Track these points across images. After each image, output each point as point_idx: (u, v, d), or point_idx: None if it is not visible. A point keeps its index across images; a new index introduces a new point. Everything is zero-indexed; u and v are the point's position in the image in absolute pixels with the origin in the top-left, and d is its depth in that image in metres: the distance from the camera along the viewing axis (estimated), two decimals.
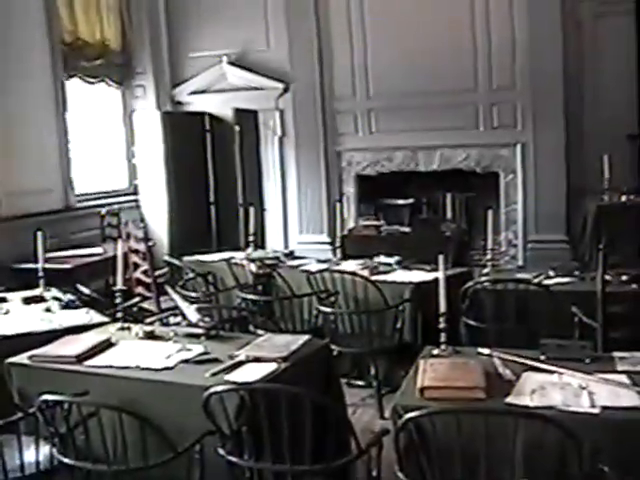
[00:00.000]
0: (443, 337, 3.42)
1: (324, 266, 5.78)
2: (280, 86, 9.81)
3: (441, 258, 3.61)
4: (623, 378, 2.93)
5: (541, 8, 8.54)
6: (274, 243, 9.60)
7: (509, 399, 2.80)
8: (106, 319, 4.38)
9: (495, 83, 8.99)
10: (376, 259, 5.93)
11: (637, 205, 7.39)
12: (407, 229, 7.82)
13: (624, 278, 4.90)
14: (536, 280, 4.92)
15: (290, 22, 9.53)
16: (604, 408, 2.68)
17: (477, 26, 8.93)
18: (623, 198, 7.51)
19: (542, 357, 3.19)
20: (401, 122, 9.34)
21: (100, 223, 8.65)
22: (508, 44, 8.85)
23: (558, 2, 8.54)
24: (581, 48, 8.76)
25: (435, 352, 3.38)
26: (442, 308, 3.45)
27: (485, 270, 5.32)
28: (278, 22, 9.62)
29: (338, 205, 7.29)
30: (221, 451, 3.01)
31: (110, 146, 9.82)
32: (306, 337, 3.69)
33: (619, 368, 3.08)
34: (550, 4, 8.53)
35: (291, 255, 6.86)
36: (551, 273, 5.17)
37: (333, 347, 4.54)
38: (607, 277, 4.65)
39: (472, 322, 4.57)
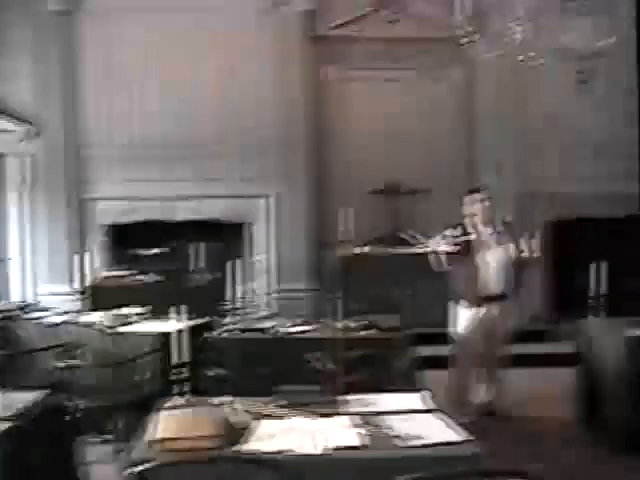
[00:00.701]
0: (183, 387, 3.42)
1: (68, 318, 5.60)
2: (27, 129, 9.35)
3: (183, 308, 3.63)
4: (355, 419, 3.07)
5: (288, 69, 9.08)
6: (16, 294, 9.10)
7: (242, 446, 2.83)
8: None
9: (248, 138, 9.20)
10: (124, 309, 5.83)
11: (378, 255, 7.89)
12: (158, 279, 7.77)
13: (363, 324, 5.19)
14: (279, 329, 5.06)
15: (37, 63, 9.20)
16: (335, 449, 2.77)
17: (233, 82, 9.16)
18: (366, 249, 7.98)
19: (278, 403, 3.27)
20: (156, 171, 9.25)
21: None
22: (261, 101, 9.16)
23: (305, 62, 9.06)
24: (329, 109, 9.35)
25: (174, 403, 3.36)
26: (183, 358, 3.46)
27: (229, 319, 5.39)
28: (26, 62, 9.23)
29: (87, 254, 7.11)
30: None
31: None
32: (41, 392, 3.54)
33: (352, 410, 3.22)
34: (297, 65, 9.06)
35: (34, 306, 6.57)
36: (296, 321, 5.34)
37: (75, 401, 4.38)
38: (347, 324, 4.91)
39: (213, 371, 4.60)
